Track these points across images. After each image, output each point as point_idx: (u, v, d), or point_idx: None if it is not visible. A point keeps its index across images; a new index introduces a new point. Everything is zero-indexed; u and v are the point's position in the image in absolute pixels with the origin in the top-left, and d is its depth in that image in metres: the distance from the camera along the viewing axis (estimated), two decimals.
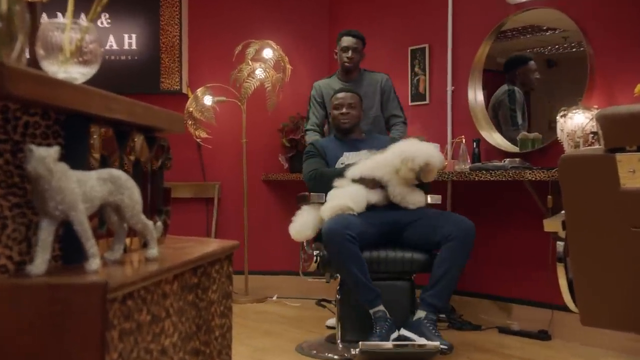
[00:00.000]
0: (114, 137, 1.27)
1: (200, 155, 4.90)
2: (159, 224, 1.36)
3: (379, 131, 3.87)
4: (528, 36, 4.13)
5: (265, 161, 4.92)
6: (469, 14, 4.22)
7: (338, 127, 3.58)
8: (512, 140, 3.97)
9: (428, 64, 4.43)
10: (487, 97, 4.17)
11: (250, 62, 4.57)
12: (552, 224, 2.22)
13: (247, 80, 4.56)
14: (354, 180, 3.30)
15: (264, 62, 4.61)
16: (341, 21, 4.95)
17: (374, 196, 3.28)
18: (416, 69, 4.51)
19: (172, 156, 1.52)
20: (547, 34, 4.08)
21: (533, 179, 3.34)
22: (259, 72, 4.57)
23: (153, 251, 1.25)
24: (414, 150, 3.20)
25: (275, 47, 4.63)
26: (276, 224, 4.82)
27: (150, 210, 1.42)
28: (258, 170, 4.91)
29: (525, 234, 3.84)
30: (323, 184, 3.36)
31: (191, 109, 4.60)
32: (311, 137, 3.91)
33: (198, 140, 4.73)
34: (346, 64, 3.89)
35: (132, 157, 1.35)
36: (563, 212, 2.11)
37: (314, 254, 3.24)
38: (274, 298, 4.77)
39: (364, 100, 3.80)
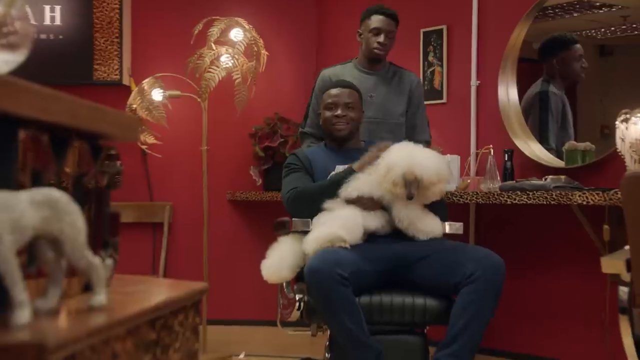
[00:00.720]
0: (49, 146, 1.27)
1: (147, 167, 4.88)
2: (109, 261, 1.36)
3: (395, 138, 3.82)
4: (575, 15, 4.18)
5: (232, 175, 4.91)
6: None
7: (331, 133, 3.58)
8: (556, 152, 4.01)
9: (446, 51, 4.47)
10: (523, 95, 4.21)
11: (213, 45, 4.58)
12: (612, 264, 2.24)
13: (210, 70, 4.56)
14: (348, 201, 3.30)
15: (232, 46, 4.62)
16: None
17: (374, 222, 3.28)
18: (430, 58, 4.54)
19: (122, 170, 1.52)
20: (601, 11, 4.12)
21: (584, 202, 3.38)
22: (225, 60, 4.58)
23: (100, 298, 1.24)
24: (397, 156, 3.22)
25: (247, 27, 4.64)
26: (245, 259, 4.81)
27: (94, 242, 1.41)
28: (222, 187, 4.90)
29: (573, 276, 3.86)
30: (305, 205, 3.36)
31: (135, 106, 4.59)
32: (307, 143, 3.88)
33: (143, 147, 4.72)
34: (376, 50, 3.82)
35: (71, 173, 1.34)
36: (627, 247, 2.13)
37: (296, 298, 3.23)
38: (241, 356, 4.75)
39: (388, 100, 3.80)
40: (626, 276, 2.21)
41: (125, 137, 1.44)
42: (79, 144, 1.38)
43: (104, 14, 4.80)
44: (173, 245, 4.89)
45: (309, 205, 3.33)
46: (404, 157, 3.20)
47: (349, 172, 3.35)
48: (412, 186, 3.15)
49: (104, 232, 1.47)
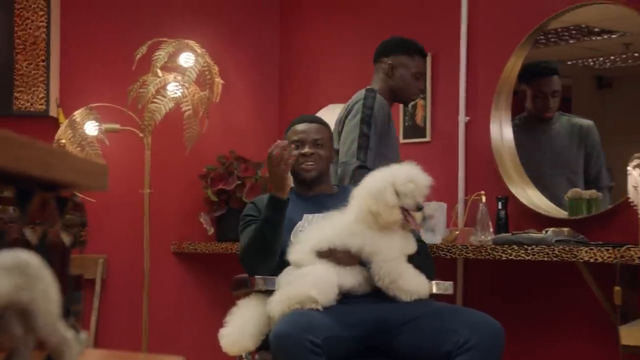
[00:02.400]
0: (13, 199, 1.27)
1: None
2: (84, 335, 1.35)
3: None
4: (572, 42, 4.28)
5: (179, 224, 4.91)
6: (495, 8, 4.34)
7: (297, 174, 3.60)
8: (557, 200, 4.07)
9: (430, 82, 4.53)
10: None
11: (159, 72, 4.60)
12: (634, 335, 2.28)
13: (155, 100, 4.57)
14: (319, 255, 3.31)
15: (182, 72, 4.64)
16: (297, 11, 5.05)
17: (350, 279, 3.28)
18: None
19: (87, 224, 1.52)
20: (600, 38, 4.22)
21: (591, 259, 3.41)
22: (173, 88, 4.60)
23: None
24: (376, 178, 3.28)
25: (199, 51, 4.66)
26: (194, 324, 4.79)
27: None
28: (167, 237, 4.89)
29: (580, 345, 3.89)
30: (258, 260, 3.37)
31: (64, 142, 4.57)
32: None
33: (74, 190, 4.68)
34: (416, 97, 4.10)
35: (36, 230, 1.34)
36: None
37: None
38: None
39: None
40: None
41: (92, 186, 1.44)
42: (42, 195, 1.39)
43: (28, 33, 4.78)
44: (106, 307, 4.84)
45: (261, 257, 3.35)
46: (385, 174, 3.26)
47: (275, 200, 3.37)
48: (414, 198, 3.21)
49: (67, 297, 1.46)
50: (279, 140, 3.45)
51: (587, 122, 4.23)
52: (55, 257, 1.44)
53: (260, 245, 3.33)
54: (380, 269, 3.26)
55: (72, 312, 1.51)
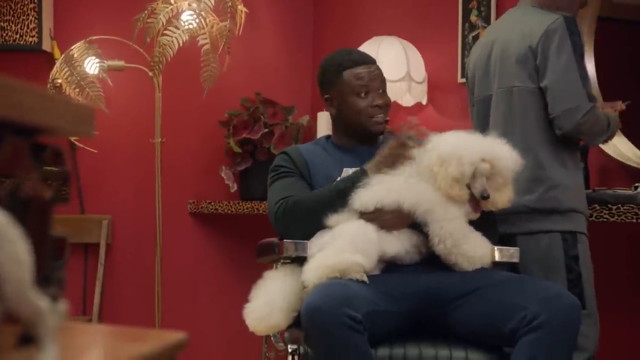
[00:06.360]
0: None
1: (76, 167, 4.90)
2: (61, 305, 1.37)
3: None
4: None
5: (197, 179, 4.94)
6: None
7: (364, 128, 3.57)
8: None
9: (495, 5, 4.50)
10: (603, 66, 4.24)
11: None
12: None
13: (166, 33, 4.58)
14: (363, 215, 3.31)
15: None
16: None
17: (394, 245, 3.28)
18: (473, 18, 4.57)
19: (69, 177, 1.53)
20: None
21: None
22: (188, 18, 4.60)
23: (49, 356, 1.25)
24: (458, 142, 3.24)
25: None
26: (213, 296, 4.82)
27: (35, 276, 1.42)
28: (182, 196, 4.93)
29: None
30: (302, 222, 3.37)
31: (60, 81, 4.60)
32: None
33: (72, 139, 4.72)
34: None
35: (5, 183, 1.35)
36: None
37: (289, 349, 3.24)
38: None
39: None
40: None
41: (77, 132, 1.45)
42: (13, 140, 1.39)
43: None
44: (112, 277, 4.91)
45: (307, 222, 3.34)
46: (470, 142, 3.21)
47: (361, 175, 3.37)
48: (478, 183, 3.16)
49: (47, 262, 1.48)
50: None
51: None
52: (31, 214, 1.45)
53: (319, 211, 3.32)
54: (442, 228, 3.24)
55: (53, 279, 1.52)
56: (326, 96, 3.66)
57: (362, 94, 3.54)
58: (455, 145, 3.21)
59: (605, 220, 3.59)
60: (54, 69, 4.64)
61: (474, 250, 3.26)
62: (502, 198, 3.22)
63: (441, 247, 3.25)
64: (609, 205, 3.60)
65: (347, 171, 3.50)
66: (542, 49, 3.49)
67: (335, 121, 3.69)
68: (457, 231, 3.24)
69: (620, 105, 3.56)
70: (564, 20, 3.47)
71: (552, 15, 3.52)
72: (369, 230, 3.24)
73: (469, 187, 3.17)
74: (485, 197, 3.16)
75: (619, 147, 4.12)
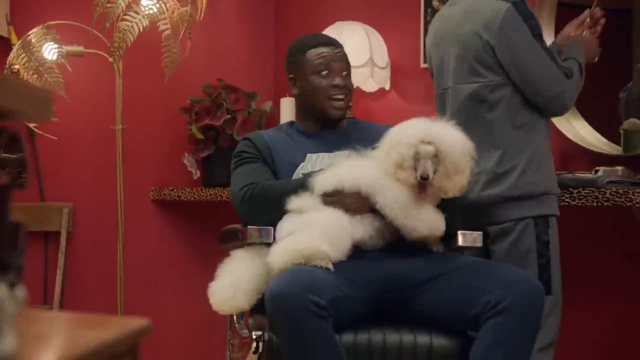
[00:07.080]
0: None
1: (35, 154, 4.87)
2: (19, 292, 1.35)
3: None
4: None
5: (159, 166, 4.93)
6: None
7: (323, 109, 3.57)
8: (610, 135, 4.05)
9: None
10: None
11: None
12: None
13: (126, 18, 4.56)
14: (325, 198, 3.31)
15: None
16: None
17: (361, 229, 3.29)
18: (435, 3, 4.59)
19: (27, 162, 1.51)
20: None
21: None
22: (148, 3, 4.58)
23: (7, 344, 1.24)
24: (404, 128, 3.24)
25: None
26: (176, 282, 4.81)
27: None
28: (144, 183, 4.93)
29: (636, 305, 3.91)
30: (267, 209, 3.37)
31: (17, 67, 4.58)
32: None
33: (31, 126, 4.70)
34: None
35: None
36: None
37: (253, 336, 3.24)
38: None
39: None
40: None
41: (34, 116, 1.44)
42: None
43: None
44: (73, 264, 4.89)
45: (272, 208, 3.34)
46: (420, 127, 3.19)
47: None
48: (428, 165, 3.13)
49: (3, 250, 1.46)
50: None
51: None
52: None
53: (284, 200, 3.31)
54: (386, 198, 3.23)
55: (11, 266, 1.51)
56: (290, 76, 3.66)
57: (324, 73, 3.54)
58: (399, 130, 3.23)
59: (566, 204, 3.62)
60: (11, 55, 4.61)
61: (426, 215, 3.24)
62: (453, 185, 3.19)
63: (392, 214, 3.21)
64: (570, 189, 3.62)
65: (311, 157, 3.51)
66: (503, 45, 3.49)
67: (298, 103, 3.69)
68: (416, 214, 3.23)
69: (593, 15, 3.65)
70: (513, 7, 3.47)
71: (503, 4, 3.50)
72: (342, 219, 3.24)
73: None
74: (424, 179, 3.12)
75: (579, 131, 4.14)
